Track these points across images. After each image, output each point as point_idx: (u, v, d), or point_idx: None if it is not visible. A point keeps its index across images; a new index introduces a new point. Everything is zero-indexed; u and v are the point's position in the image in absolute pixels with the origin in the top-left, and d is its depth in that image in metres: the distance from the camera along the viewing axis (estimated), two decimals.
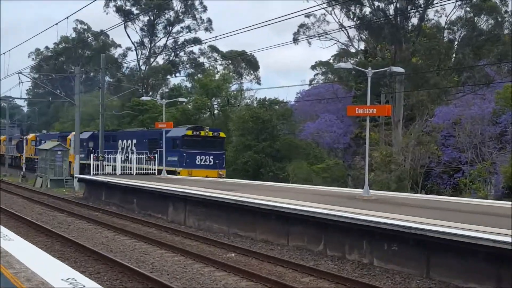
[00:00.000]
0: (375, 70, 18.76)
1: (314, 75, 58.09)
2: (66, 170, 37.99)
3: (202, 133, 32.60)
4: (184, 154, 31.77)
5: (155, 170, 31.73)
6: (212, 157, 32.44)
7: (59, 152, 37.37)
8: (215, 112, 53.74)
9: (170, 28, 69.84)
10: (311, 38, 43.45)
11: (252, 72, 69.69)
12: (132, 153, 34.94)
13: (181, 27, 69.65)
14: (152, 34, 70.10)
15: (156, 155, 32.11)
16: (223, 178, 31.37)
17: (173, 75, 70.38)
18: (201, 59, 71.04)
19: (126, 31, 70.62)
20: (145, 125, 50.04)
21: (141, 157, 32.32)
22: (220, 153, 33.14)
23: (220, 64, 68.17)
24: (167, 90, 71.25)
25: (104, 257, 13.32)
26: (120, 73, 73.81)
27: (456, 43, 39.05)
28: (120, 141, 39.26)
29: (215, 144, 33.02)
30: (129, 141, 38.07)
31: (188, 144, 32.12)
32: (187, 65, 70.64)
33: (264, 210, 15.90)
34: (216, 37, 55.36)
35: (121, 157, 32.04)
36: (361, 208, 14.44)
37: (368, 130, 18.52)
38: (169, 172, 30.69)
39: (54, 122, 74.82)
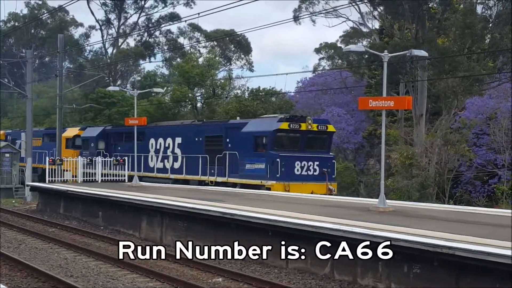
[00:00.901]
0: (393, 54, 18.81)
1: (319, 60, 58.29)
2: (16, 176, 37.90)
3: (304, 126, 26.83)
4: (278, 160, 26.00)
5: (125, 176, 31.71)
6: (317, 163, 26.91)
7: (7, 155, 37.26)
8: (198, 105, 53.81)
9: (142, 2, 69.86)
10: (315, 15, 43.60)
11: (243, 56, 69.81)
12: (176, 156, 32.09)
13: (156, 1, 69.75)
14: (120, 9, 70.09)
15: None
16: (334, 194, 26.40)
17: (147, 60, 70.38)
18: (181, 40, 71.17)
19: (89, 6, 70.58)
20: (112, 121, 50.06)
21: (108, 161, 32.27)
22: (329, 156, 27.87)
23: (204, 47, 68.33)
24: (139, 78, 71.28)
25: (63, 282, 13.29)
26: (82, 57, 73.75)
27: (491, 21, 39.17)
28: (152, 140, 34.35)
29: (320, 143, 27.84)
30: (169, 140, 32.81)
31: (282, 144, 26.88)
32: (164, 47, 70.66)
33: (258, 225, 15.92)
34: (199, 13, 55.25)
35: (84, 161, 32.01)
36: (376, 222, 14.49)
37: (384, 127, 18.55)
38: (246, 186, 26.76)
39: (1, 118, 74.62)
